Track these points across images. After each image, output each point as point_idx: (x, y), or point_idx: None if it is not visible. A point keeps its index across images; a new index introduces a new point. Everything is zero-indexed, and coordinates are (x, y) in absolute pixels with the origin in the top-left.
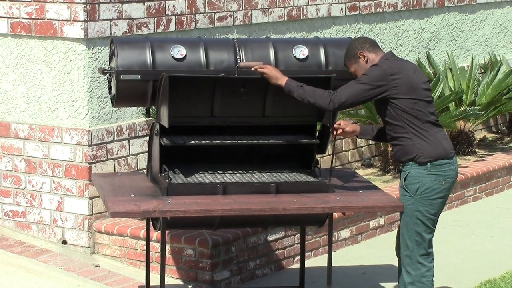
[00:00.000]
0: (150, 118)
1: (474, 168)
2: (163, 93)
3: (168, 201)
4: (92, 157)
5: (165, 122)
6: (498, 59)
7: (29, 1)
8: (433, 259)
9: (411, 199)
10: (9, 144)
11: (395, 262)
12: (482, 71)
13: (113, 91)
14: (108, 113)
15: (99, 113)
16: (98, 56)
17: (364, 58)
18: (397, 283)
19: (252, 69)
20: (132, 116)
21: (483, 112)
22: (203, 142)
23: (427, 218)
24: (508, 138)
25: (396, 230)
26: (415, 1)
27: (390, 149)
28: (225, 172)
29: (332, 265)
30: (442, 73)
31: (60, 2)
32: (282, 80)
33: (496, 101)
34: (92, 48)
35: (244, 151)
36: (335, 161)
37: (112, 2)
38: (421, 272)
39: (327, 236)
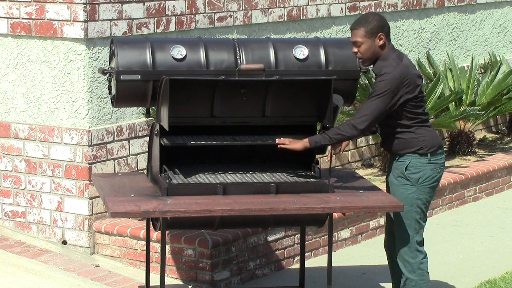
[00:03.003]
0: (150, 118)
1: (474, 168)
2: (163, 95)
3: (168, 201)
4: (92, 157)
5: (165, 124)
6: (498, 59)
7: (29, 1)
8: (423, 245)
9: (412, 188)
10: (9, 144)
11: None
12: (482, 71)
13: (113, 91)
14: (108, 113)
15: (99, 113)
16: (98, 57)
17: (381, 41)
18: None
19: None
20: (132, 116)
21: (483, 112)
22: (203, 142)
23: (425, 206)
24: (508, 138)
25: None
26: (415, 1)
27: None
28: (225, 173)
29: (332, 265)
30: (442, 73)
31: (60, 2)
32: (304, 143)
33: (496, 101)
34: (92, 48)
35: (244, 151)
36: (335, 161)
37: (112, 2)
38: (419, 259)
39: (327, 236)
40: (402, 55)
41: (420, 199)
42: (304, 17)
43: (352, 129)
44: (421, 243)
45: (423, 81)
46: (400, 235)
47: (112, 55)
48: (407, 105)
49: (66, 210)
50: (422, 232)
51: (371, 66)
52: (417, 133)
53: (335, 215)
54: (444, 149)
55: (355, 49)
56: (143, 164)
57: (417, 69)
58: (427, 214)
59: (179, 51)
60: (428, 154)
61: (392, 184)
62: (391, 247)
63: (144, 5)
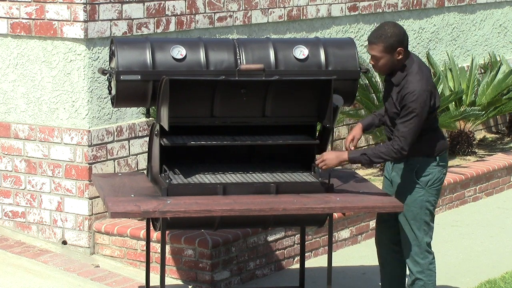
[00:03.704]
0: (150, 118)
1: (474, 168)
2: (163, 96)
3: (168, 202)
4: (92, 158)
5: (165, 124)
6: (498, 59)
7: (29, 1)
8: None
9: (422, 190)
10: (9, 144)
11: None
12: (482, 71)
13: (113, 92)
14: (108, 114)
15: (99, 113)
16: (98, 57)
17: (399, 56)
18: None
19: (316, 167)
20: (132, 117)
21: (483, 112)
22: (203, 142)
23: (433, 207)
24: (508, 138)
25: None
26: (415, 1)
27: None
28: (225, 173)
29: (332, 265)
30: (442, 73)
31: (60, 2)
32: (344, 157)
33: (496, 101)
34: (92, 49)
35: (244, 151)
36: None
37: (112, 2)
38: (429, 260)
39: (327, 236)
40: (422, 65)
41: (429, 201)
42: (304, 17)
43: (396, 153)
44: (429, 244)
45: None
46: (410, 237)
47: (112, 55)
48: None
49: (66, 210)
50: (432, 234)
51: (371, 67)
52: (427, 138)
53: (335, 215)
54: None
55: (373, 62)
56: (143, 164)
57: None
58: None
59: (179, 51)
60: (437, 157)
61: (399, 187)
62: (382, 244)
63: (144, 5)
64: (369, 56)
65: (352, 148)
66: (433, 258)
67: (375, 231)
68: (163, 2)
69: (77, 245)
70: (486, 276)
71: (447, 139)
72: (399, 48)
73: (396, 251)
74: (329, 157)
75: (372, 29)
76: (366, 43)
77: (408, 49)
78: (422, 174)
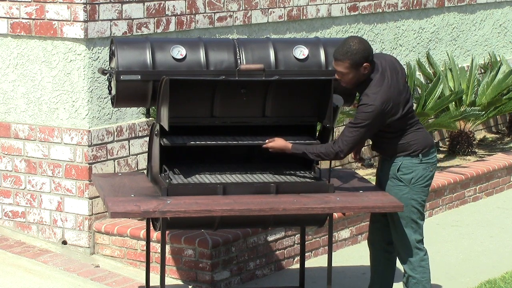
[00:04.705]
0: (150, 118)
1: (474, 168)
2: (163, 95)
3: (168, 202)
4: (92, 158)
5: (165, 124)
6: (498, 59)
7: (29, 1)
8: (423, 243)
9: (405, 188)
10: (9, 144)
11: None
12: (482, 71)
13: (113, 92)
14: (108, 114)
15: (99, 113)
16: (98, 57)
17: (365, 71)
18: (400, 282)
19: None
20: (132, 117)
21: (483, 112)
22: (203, 142)
23: (420, 205)
24: (508, 138)
25: None
26: (415, 1)
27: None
28: (225, 173)
29: (332, 265)
30: (442, 73)
31: (60, 2)
32: (288, 149)
33: (496, 101)
34: (92, 49)
35: (244, 151)
36: (335, 161)
37: (112, 2)
38: (420, 257)
39: (327, 236)
40: (384, 74)
41: (414, 199)
42: (304, 17)
43: (335, 156)
44: (420, 241)
45: (423, 80)
46: (399, 235)
47: (112, 55)
48: (394, 123)
49: (66, 210)
50: (422, 231)
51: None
52: (407, 138)
53: (335, 215)
54: (444, 149)
55: (339, 77)
56: (143, 164)
57: (417, 70)
58: (425, 213)
59: (179, 51)
60: (420, 155)
61: (386, 185)
62: (375, 244)
63: (144, 5)
64: None
65: (357, 156)
66: (425, 255)
67: (368, 231)
68: (163, 2)
69: (77, 245)
70: (486, 276)
71: (446, 138)
72: (365, 64)
73: (388, 251)
74: (276, 143)
75: (372, 29)
76: None
77: (373, 63)
78: (404, 172)
